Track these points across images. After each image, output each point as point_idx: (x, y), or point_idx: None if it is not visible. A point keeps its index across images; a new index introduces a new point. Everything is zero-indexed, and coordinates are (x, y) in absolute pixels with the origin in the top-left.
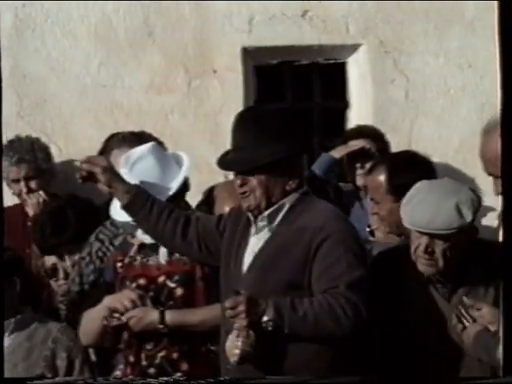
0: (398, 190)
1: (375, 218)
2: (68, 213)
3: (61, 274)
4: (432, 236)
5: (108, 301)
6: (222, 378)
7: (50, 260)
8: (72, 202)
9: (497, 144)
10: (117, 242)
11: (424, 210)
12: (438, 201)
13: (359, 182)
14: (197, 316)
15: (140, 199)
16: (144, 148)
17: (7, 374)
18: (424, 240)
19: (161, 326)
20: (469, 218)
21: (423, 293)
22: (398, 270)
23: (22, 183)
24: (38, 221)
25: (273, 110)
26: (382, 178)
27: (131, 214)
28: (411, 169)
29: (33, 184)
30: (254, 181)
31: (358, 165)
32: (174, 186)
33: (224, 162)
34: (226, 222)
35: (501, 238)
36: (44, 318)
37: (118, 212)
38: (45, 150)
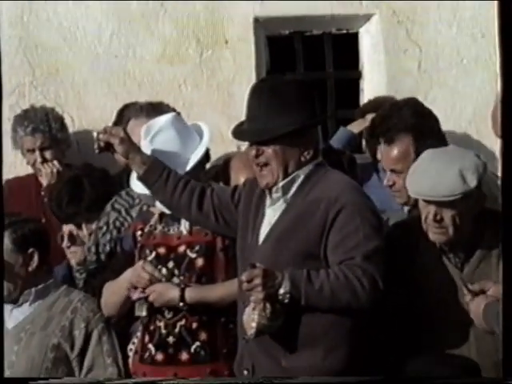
0: None
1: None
2: (84, 182)
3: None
4: (439, 204)
5: (129, 274)
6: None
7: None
8: (88, 171)
9: None
10: (133, 213)
11: (427, 177)
12: (441, 168)
13: (379, 155)
14: (216, 293)
15: (156, 170)
16: (165, 119)
17: (23, 344)
18: (432, 208)
19: (181, 304)
20: (473, 183)
21: (436, 263)
22: (412, 241)
23: (37, 153)
24: (55, 190)
25: (288, 80)
26: (408, 146)
27: (147, 185)
28: (436, 136)
29: (47, 154)
30: (269, 151)
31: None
32: (195, 157)
33: (239, 133)
34: (240, 194)
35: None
36: (70, 288)
37: (137, 183)
38: (59, 120)
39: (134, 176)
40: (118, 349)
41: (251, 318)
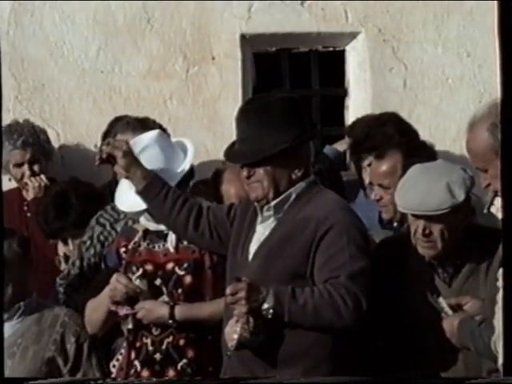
0: None
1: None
2: (71, 197)
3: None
4: (428, 218)
5: (107, 290)
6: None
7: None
8: (75, 186)
9: (482, 138)
10: (118, 227)
11: (416, 192)
12: (429, 182)
13: (364, 174)
14: (206, 311)
15: (156, 186)
16: (149, 136)
17: (17, 358)
18: (421, 223)
19: (170, 322)
20: (461, 197)
21: (424, 279)
22: (400, 256)
23: (26, 166)
24: (42, 205)
25: (275, 98)
26: (396, 163)
27: (146, 200)
28: (423, 153)
29: (36, 167)
30: (260, 171)
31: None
32: (180, 174)
33: (230, 155)
34: (235, 211)
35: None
36: (48, 303)
37: (122, 201)
38: (45, 133)
39: (119, 193)
40: (104, 363)
41: (233, 330)
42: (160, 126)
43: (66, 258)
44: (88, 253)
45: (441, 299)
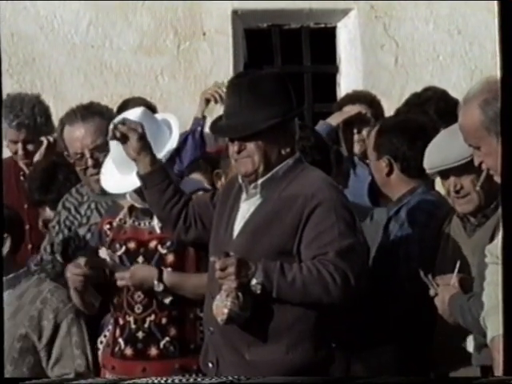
0: (381, 147)
1: None
2: (59, 173)
3: None
4: (455, 174)
5: None
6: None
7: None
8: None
9: (473, 115)
10: (82, 210)
11: (438, 150)
12: (450, 139)
13: (356, 148)
14: (192, 281)
15: (160, 175)
16: (134, 115)
17: None
18: (451, 180)
19: (155, 282)
20: None
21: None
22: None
23: (20, 145)
24: (33, 172)
25: (265, 73)
26: (372, 135)
27: (146, 186)
28: (397, 132)
29: (30, 147)
30: (251, 146)
31: (355, 130)
32: (166, 152)
33: (218, 129)
34: (218, 195)
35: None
36: (42, 278)
37: (107, 183)
38: (45, 113)
39: (105, 174)
40: (87, 341)
41: (223, 304)
42: (107, 109)
43: (45, 224)
44: (57, 238)
45: (430, 276)
